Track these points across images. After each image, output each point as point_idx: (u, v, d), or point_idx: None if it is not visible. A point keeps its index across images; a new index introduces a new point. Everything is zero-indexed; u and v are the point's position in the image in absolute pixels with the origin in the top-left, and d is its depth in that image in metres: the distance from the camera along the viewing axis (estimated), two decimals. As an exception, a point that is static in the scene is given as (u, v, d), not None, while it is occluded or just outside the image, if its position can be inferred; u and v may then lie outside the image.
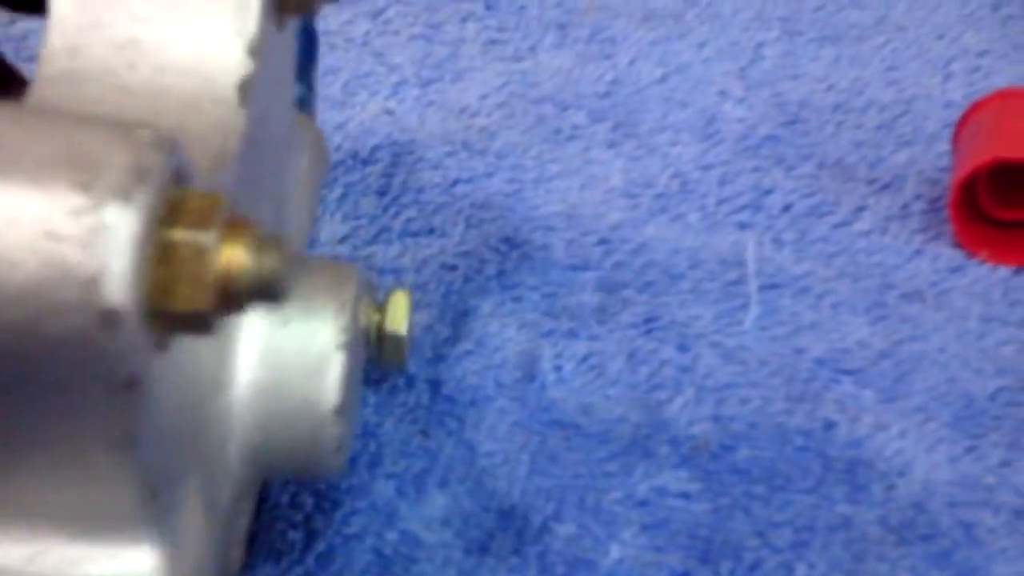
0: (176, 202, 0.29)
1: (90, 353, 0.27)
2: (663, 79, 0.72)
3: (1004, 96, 0.63)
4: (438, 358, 0.55)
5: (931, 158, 0.67)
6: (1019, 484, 0.50)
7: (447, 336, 0.56)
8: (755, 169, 0.66)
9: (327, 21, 0.76)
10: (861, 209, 0.63)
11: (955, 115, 0.65)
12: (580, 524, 0.48)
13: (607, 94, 0.71)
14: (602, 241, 0.61)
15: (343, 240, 0.61)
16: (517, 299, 0.58)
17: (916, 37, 0.76)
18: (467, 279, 0.59)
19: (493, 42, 0.75)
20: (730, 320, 0.57)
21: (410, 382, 0.54)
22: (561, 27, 0.76)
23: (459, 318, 0.57)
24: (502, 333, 0.56)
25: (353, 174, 0.65)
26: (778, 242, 0.61)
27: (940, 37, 0.76)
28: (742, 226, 0.62)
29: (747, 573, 0.47)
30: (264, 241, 0.30)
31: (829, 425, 0.52)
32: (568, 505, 0.49)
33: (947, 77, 0.73)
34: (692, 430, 0.52)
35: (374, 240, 0.61)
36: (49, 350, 0.27)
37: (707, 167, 0.66)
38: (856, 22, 0.77)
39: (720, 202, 0.64)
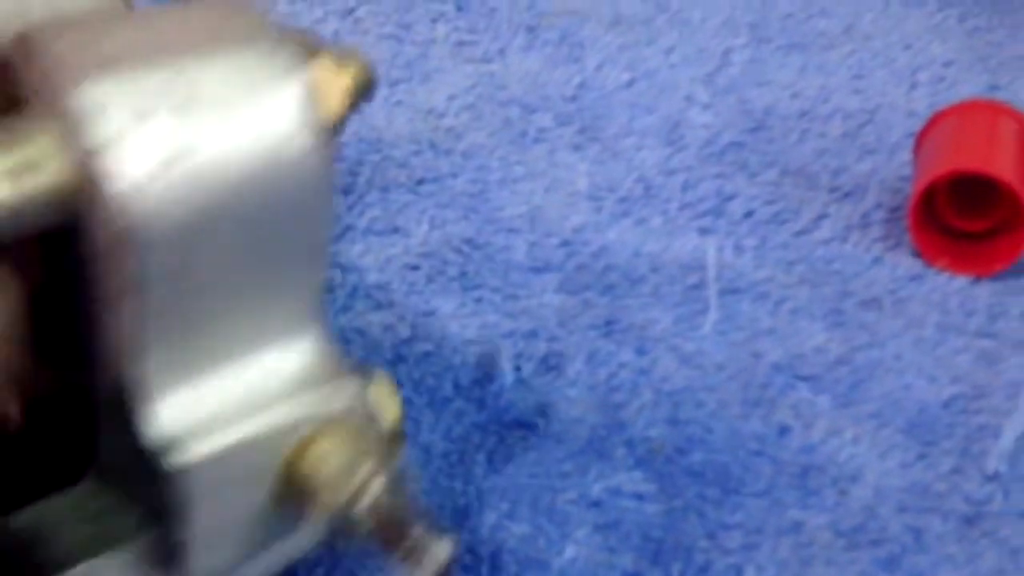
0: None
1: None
2: (630, 84, 0.73)
3: (965, 108, 0.64)
4: (398, 359, 0.55)
5: (893, 167, 0.67)
6: (969, 491, 0.50)
7: (407, 337, 0.56)
8: (718, 175, 0.66)
9: (298, 19, 0.76)
10: (822, 217, 0.64)
11: (919, 125, 0.66)
12: (534, 524, 0.49)
13: (574, 98, 0.72)
14: (564, 243, 0.61)
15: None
16: (478, 300, 0.58)
17: (883, 47, 0.76)
18: (429, 279, 0.59)
19: (463, 43, 0.76)
20: (689, 324, 0.57)
21: (369, 381, 0.54)
22: (531, 30, 0.77)
23: (420, 319, 0.57)
24: (462, 334, 0.57)
25: (319, 172, 0.65)
26: (739, 248, 0.62)
27: (907, 47, 0.76)
28: (704, 231, 0.63)
29: (697, 574, 0.47)
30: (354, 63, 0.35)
31: (784, 430, 0.53)
32: (522, 505, 0.50)
33: (912, 87, 0.73)
34: (648, 432, 0.52)
35: (339, 238, 0.61)
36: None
37: (671, 172, 0.66)
38: (824, 31, 0.78)
39: (683, 207, 0.64)
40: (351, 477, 0.36)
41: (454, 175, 0.65)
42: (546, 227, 0.63)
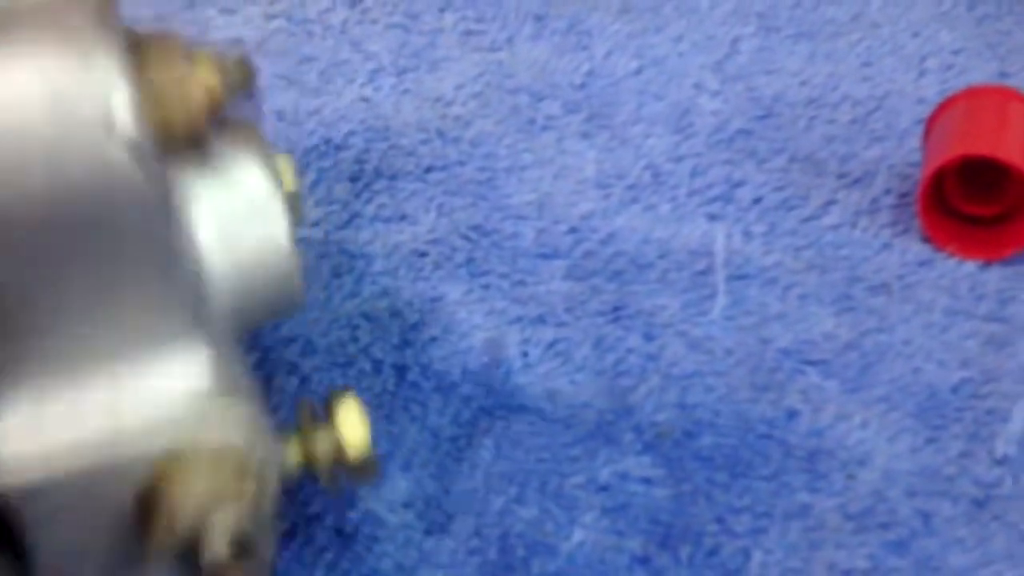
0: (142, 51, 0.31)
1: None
2: (639, 71, 0.72)
3: (974, 93, 0.64)
4: (405, 344, 0.55)
5: (902, 153, 0.67)
6: (978, 475, 0.50)
7: (415, 322, 0.56)
8: (727, 162, 0.66)
9: (306, 9, 0.76)
10: (831, 203, 0.64)
11: (928, 111, 0.66)
12: (542, 508, 0.49)
13: (582, 85, 0.71)
14: (572, 230, 0.61)
15: (315, 224, 0.61)
16: (486, 286, 0.58)
17: (891, 34, 0.76)
18: (437, 266, 0.59)
19: (470, 32, 0.75)
20: (697, 310, 0.57)
21: (376, 367, 0.54)
22: (539, 18, 0.77)
23: (427, 305, 0.57)
24: (470, 320, 0.57)
25: (327, 160, 0.65)
26: (747, 234, 0.61)
27: (915, 34, 0.76)
28: (712, 218, 0.63)
29: (706, 558, 0.47)
30: (222, 59, 0.33)
31: (792, 414, 0.52)
32: (530, 489, 0.50)
33: (921, 74, 0.73)
34: (656, 417, 0.52)
35: (346, 225, 0.61)
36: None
37: (679, 159, 0.66)
38: (832, 18, 0.78)
39: (691, 194, 0.64)
40: (198, 512, 0.33)
41: (462, 163, 0.65)
42: (554, 214, 0.62)
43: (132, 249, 0.32)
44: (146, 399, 0.33)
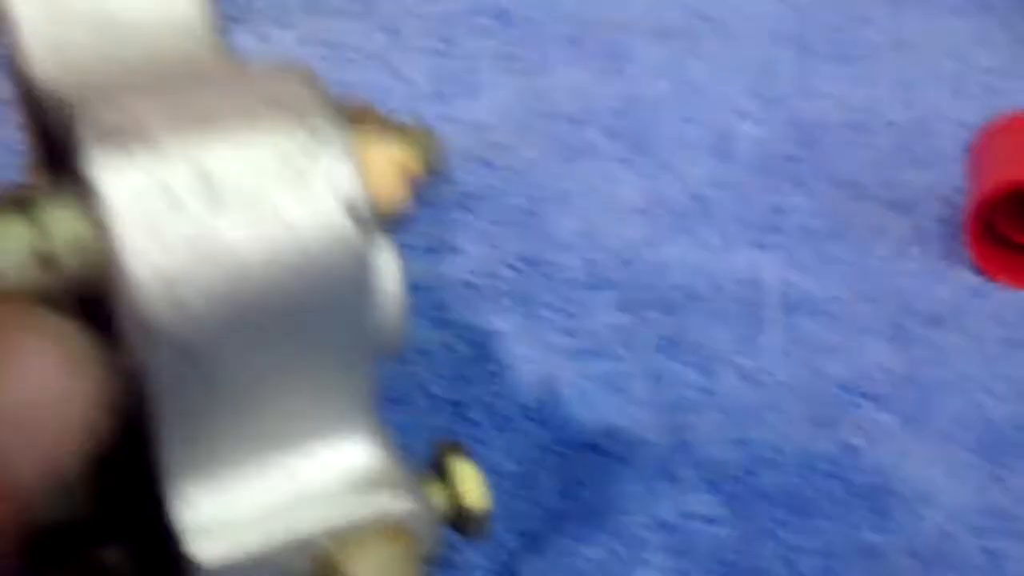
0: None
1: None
2: (677, 96, 0.72)
3: (1018, 118, 0.63)
4: (461, 379, 0.55)
5: (946, 178, 0.67)
6: (1044, 512, 0.50)
7: (469, 357, 0.56)
8: (771, 188, 0.66)
9: (343, 35, 0.76)
10: (878, 231, 0.63)
11: (969, 135, 0.65)
12: (607, 547, 0.48)
13: (622, 112, 0.71)
14: (621, 260, 0.61)
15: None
16: (537, 319, 0.58)
17: (930, 56, 0.76)
18: (487, 298, 0.59)
19: (507, 57, 0.75)
20: (750, 342, 0.57)
21: (433, 403, 0.53)
22: (575, 42, 0.76)
23: (479, 338, 0.57)
24: (524, 354, 0.56)
25: (371, 190, 0.64)
26: (796, 264, 0.61)
27: (954, 57, 0.76)
28: (759, 246, 0.62)
29: (774, 599, 0.47)
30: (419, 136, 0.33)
31: (852, 450, 0.52)
32: (593, 528, 0.49)
33: (961, 96, 0.73)
34: (716, 454, 0.52)
35: (393, 257, 0.61)
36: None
37: (723, 186, 0.66)
38: (869, 41, 0.78)
39: (737, 222, 0.64)
40: None
41: (506, 192, 0.65)
42: (601, 244, 0.62)
43: (346, 328, 0.31)
44: (325, 476, 0.33)
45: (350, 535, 0.33)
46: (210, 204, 0.28)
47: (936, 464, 0.52)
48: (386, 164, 0.32)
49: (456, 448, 0.37)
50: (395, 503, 0.33)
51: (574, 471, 0.51)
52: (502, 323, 0.58)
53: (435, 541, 0.35)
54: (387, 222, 0.32)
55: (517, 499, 0.50)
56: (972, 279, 0.60)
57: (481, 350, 0.56)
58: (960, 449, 0.52)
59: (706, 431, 0.53)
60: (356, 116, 0.31)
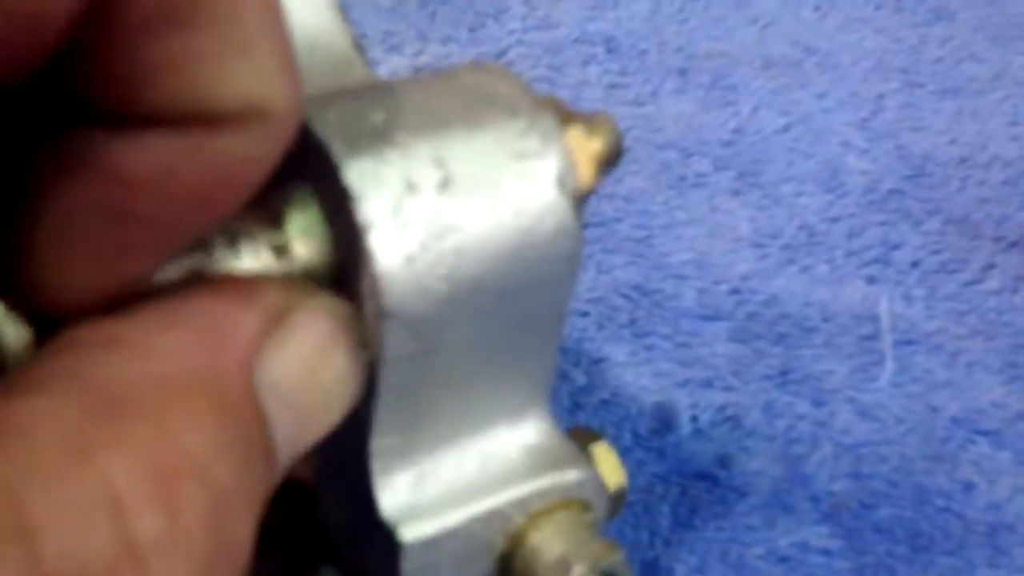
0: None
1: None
2: (786, 128, 0.73)
3: None
4: (575, 407, 0.55)
5: (1057, 216, 0.67)
6: None
7: (583, 384, 0.56)
8: (882, 223, 0.66)
9: (451, 59, 0.76)
10: (989, 267, 0.64)
11: (1082, 174, 0.65)
12: (724, 578, 0.49)
13: (730, 142, 0.72)
14: (733, 291, 0.61)
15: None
16: (650, 348, 0.58)
17: (1037, 92, 0.76)
18: (599, 326, 0.60)
19: (615, 86, 0.76)
20: (864, 376, 0.57)
21: (551, 429, 0.54)
22: (682, 72, 0.77)
23: (593, 366, 0.58)
24: (637, 382, 0.57)
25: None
26: (908, 298, 0.61)
27: (1060, 93, 0.76)
28: (871, 280, 0.63)
29: (894, 634, 0.47)
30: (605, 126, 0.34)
31: (968, 486, 0.52)
32: (711, 558, 0.50)
33: (1070, 134, 0.73)
34: (832, 486, 0.52)
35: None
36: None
37: (833, 219, 0.66)
38: (975, 75, 0.78)
39: (848, 255, 0.64)
40: (576, 561, 0.35)
41: (618, 219, 0.66)
42: (713, 274, 0.63)
43: (543, 312, 0.33)
44: (509, 454, 0.36)
45: (536, 507, 0.35)
46: (446, 192, 0.30)
47: (1054, 503, 0.52)
48: (581, 152, 0.33)
49: (591, 434, 0.40)
50: (573, 475, 0.35)
51: (689, 501, 0.52)
52: (615, 351, 0.58)
53: (605, 510, 0.37)
54: (584, 206, 0.33)
55: (632, 528, 0.51)
56: (1085, 317, 0.60)
57: (595, 378, 0.57)
58: (1078, 488, 0.52)
59: (821, 464, 0.53)
60: (558, 110, 0.33)
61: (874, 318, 0.60)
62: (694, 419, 0.55)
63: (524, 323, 0.33)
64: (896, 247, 0.64)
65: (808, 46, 0.80)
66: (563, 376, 0.57)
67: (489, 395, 0.35)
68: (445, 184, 0.30)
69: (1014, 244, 0.65)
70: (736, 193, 0.68)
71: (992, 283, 0.62)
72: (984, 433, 0.55)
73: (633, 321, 0.60)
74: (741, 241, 0.65)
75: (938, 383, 0.57)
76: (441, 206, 0.30)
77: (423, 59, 0.76)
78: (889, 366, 0.58)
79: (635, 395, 0.56)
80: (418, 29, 0.79)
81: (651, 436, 0.54)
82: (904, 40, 0.81)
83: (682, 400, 0.56)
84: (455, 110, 0.32)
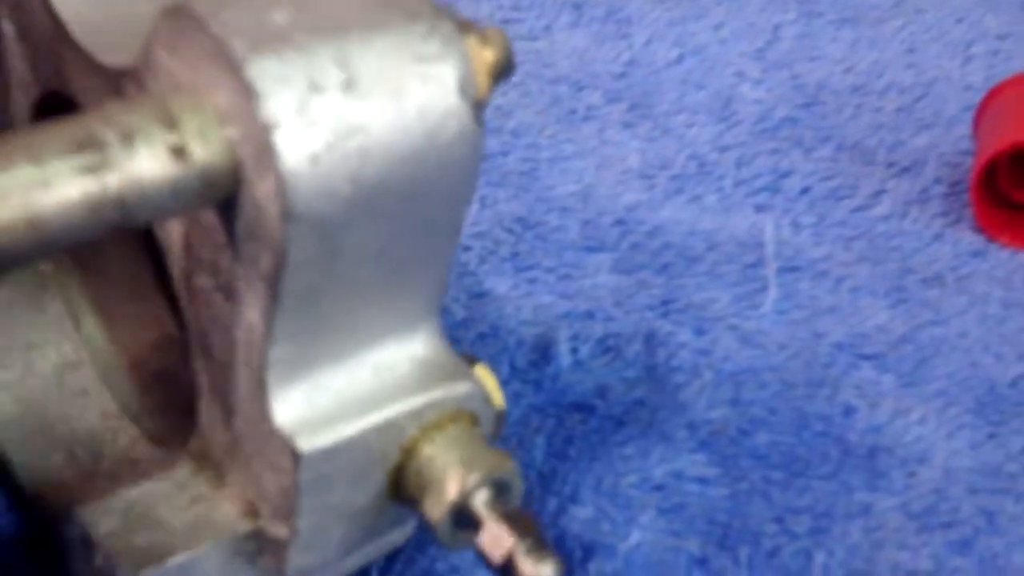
0: None
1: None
2: (679, 60, 0.72)
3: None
4: (453, 341, 0.54)
5: (951, 141, 0.66)
6: (1041, 471, 0.49)
7: (462, 318, 0.55)
8: (773, 151, 0.65)
9: None
10: (880, 193, 0.63)
11: (975, 98, 0.65)
12: (598, 507, 0.48)
13: (623, 75, 0.70)
14: (618, 222, 0.60)
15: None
16: (532, 281, 0.57)
17: (935, 20, 0.75)
18: (481, 260, 0.58)
19: (508, 21, 0.74)
20: (748, 303, 0.56)
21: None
22: (576, 6, 0.76)
23: (473, 300, 0.56)
24: (517, 315, 0.56)
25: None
26: (796, 225, 0.60)
27: (959, 20, 0.75)
28: (760, 208, 0.62)
29: (765, 559, 0.46)
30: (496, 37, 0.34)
31: (849, 410, 0.52)
32: (585, 488, 0.49)
33: (967, 60, 0.72)
34: (710, 414, 0.51)
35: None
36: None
37: (724, 149, 0.65)
38: (875, 3, 0.77)
39: (737, 184, 0.63)
40: (470, 471, 0.35)
41: (504, 153, 0.64)
42: (599, 206, 0.61)
43: (441, 220, 0.33)
44: (410, 367, 0.36)
45: (428, 419, 0.36)
46: (350, 93, 0.30)
47: (932, 424, 0.51)
48: (477, 60, 0.33)
49: (470, 358, 0.40)
50: (464, 387, 0.36)
51: (564, 432, 0.51)
52: (497, 284, 0.57)
53: (491, 424, 0.38)
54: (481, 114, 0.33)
55: (508, 459, 0.50)
56: (974, 240, 0.60)
57: (474, 312, 0.56)
58: (957, 409, 0.52)
59: (700, 392, 0.52)
60: (455, 21, 0.33)
61: (760, 246, 0.59)
62: (574, 351, 0.54)
63: (422, 229, 0.33)
64: (786, 175, 0.64)
65: (706, -23, 0.79)
66: (442, 310, 0.56)
67: (384, 305, 0.35)
68: (349, 85, 0.30)
69: (906, 169, 0.64)
70: (627, 125, 0.67)
71: (881, 209, 0.62)
72: (867, 357, 0.54)
73: (515, 254, 0.59)
74: (629, 173, 0.64)
75: (822, 309, 0.56)
76: (346, 106, 0.30)
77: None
78: (773, 293, 0.57)
79: (514, 328, 0.55)
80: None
81: (529, 368, 0.53)
82: (804, -30, 0.80)
83: (562, 332, 0.55)
84: (356, 13, 0.31)
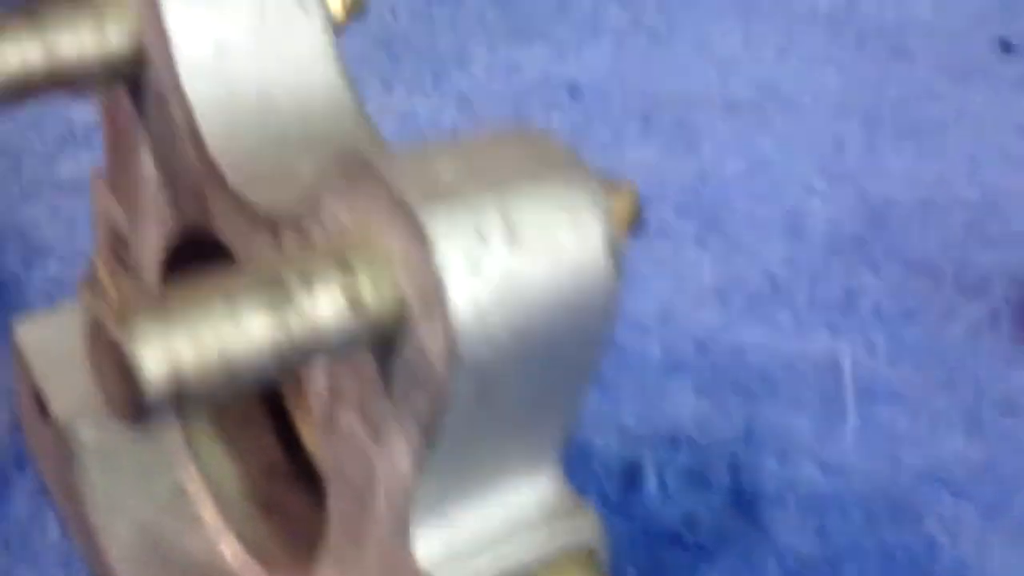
0: None
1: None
2: (748, 173, 0.73)
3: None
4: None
5: (1018, 259, 0.67)
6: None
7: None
8: (844, 270, 0.67)
9: (416, 108, 0.77)
10: (950, 313, 0.64)
11: (1041, 215, 0.66)
12: (691, 642, 0.49)
13: (693, 188, 0.72)
14: (697, 344, 0.62)
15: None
16: (616, 403, 0.59)
17: (996, 132, 0.76)
18: (565, 381, 0.60)
19: (578, 133, 0.76)
20: (828, 430, 0.58)
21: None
22: (645, 118, 0.77)
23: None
24: (603, 440, 0.57)
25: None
26: (871, 348, 0.62)
27: (1019, 132, 0.76)
28: (833, 329, 0.63)
29: None
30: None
31: (932, 544, 0.53)
32: (678, 621, 0.50)
33: (1029, 174, 0.73)
34: (796, 544, 0.53)
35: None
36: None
37: (796, 267, 0.67)
38: (936, 115, 0.78)
39: (811, 304, 0.64)
40: None
41: (582, 272, 0.66)
42: (677, 326, 0.63)
43: (579, 365, 0.35)
44: (528, 507, 0.37)
45: (554, 557, 0.37)
46: (512, 244, 0.32)
47: (1016, 559, 0.52)
48: (618, 215, 0.36)
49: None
50: (586, 529, 0.38)
51: (655, 562, 0.52)
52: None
53: (607, 565, 0.39)
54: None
55: (601, 590, 0.51)
56: (1047, 365, 0.61)
57: (562, 436, 0.57)
58: (1040, 543, 0.53)
59: (786, 521, 0.54)
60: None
61: (836, 369, 0.60)
62: (660, 478, 0.56)
63: (563, 374, 0.35)
64: (858, 295, 0.65)
65: (770, 87, 0.81)
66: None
67: (520, 444, 0.36)
68: (511, 237, 0.32)
69: (975, 288, 0.65)
70: (699, 241, 0.68)
71: (953, 330, 0.63)
72: (948, 486, 0.55)
73: (598, 376, 0.60)
74: (705, 291, 0.65)
75: (901, 436, 0.57)
76: (508, 257, 0.32)
77: (391, 104, 0.77)
78: (852, 420, 0.58)
79: (600, 452, 0.57)
80: (382, 76, 0.79)
81: (617, 494, 0.55)
82: (865, 80, 0.81)
83: (648, 458, 0.56)
84: (514, 169, 0.33)
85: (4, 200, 0.68)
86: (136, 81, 0.42)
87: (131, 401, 0.30)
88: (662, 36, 0.86)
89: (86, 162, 0.69)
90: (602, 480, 0.55)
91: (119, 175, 0.47)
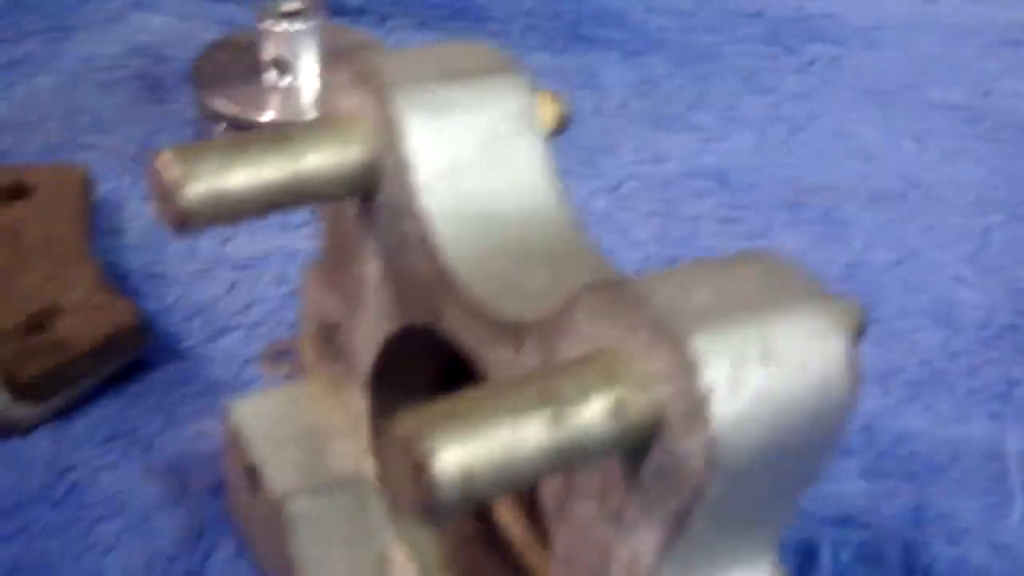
0: None
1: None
2: (898, 263, 0.75)
3: None
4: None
5: None
6: None
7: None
8: (999, 359, 0.68)
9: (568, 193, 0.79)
10: (1108, 402, 0.66)
11: None
12: None
13: (846, 278, 0.74)
14: (862, 429, 0.64)
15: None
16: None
17: None
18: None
19: (728, 220, 0.78)
20: (997, 514, 0.59)
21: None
22: (791, 207, 0.80)
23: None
24: (777, 520, 0.59)
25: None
26: (1032, 435, 0.63)
27: None
28: (993, 416, 0.65)
29: None
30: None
31: (1108, 627, 0.54)
32: None
33: None
34: (975, 626, 0.54)
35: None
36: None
37: (952, 355, 0.68)
38: (1078, 208, 0.80)
39: (970, 392, 0.66)
40: None
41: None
42: (840, 411, 0.64)
43: (807, 472, 0.37)
44: None
45: None
46: (767, 363, 0.34)
47: None
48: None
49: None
50: None
51: (838, 639, 0.54)
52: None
53: None
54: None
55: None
56: None
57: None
58: None
59: (962, 603, 0.55)
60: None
61: (1001, 455, 0.62)
62: (836, 557, 0.57)
63: (796, 475, 0.37)
64: (1016, 384, 0.66)
65: (911, 179, 0.83)
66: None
67: (751, 535, 0.38)
68: (766, 356, 0.34)
69: None
70: (855, 328, 0.70)
71: (1113, 419, 0.64)
72: (1117, 572, 0.57)
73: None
74: (866, 378, 0.67)
75: (1070, 521, 0.59)
76: (764, 375, 0.34)
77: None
78: (1020, 505, 0.59)
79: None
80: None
81: (796, 573, 0.56)
82: (1004, 171, 0.84)
83: (823, 537, 0.58)
84: (760, 292, 0.36)
85: (185, 277, 0.72)
86: (368, 193, 0.45)
87: (423, 502, 0.32)
88: (802, 125, 0.88)
89: (259, 241, 0.72)
90: (780, 558, 0.57)
91: (337, 271, 0.49)
